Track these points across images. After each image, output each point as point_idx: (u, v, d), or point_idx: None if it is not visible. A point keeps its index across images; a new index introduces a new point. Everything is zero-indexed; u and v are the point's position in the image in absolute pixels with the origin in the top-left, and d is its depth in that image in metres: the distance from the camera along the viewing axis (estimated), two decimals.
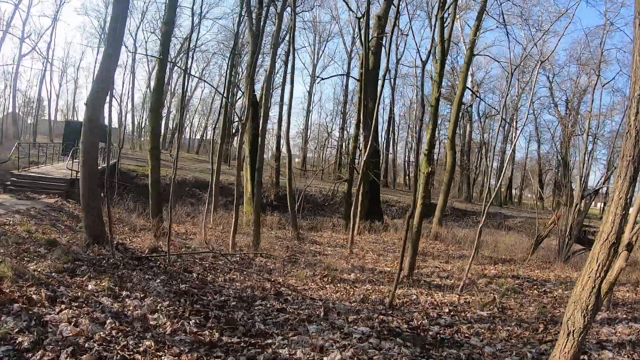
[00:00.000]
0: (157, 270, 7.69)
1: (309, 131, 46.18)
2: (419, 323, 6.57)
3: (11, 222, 9.38)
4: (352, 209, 15.31)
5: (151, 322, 5.12)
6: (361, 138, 18.17)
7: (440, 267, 11.89)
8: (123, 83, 49.17)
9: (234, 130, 39.64)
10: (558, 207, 24.55)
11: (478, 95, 33.43)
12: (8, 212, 10.51)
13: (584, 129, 34.88)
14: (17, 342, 3.93)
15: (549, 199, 39.70)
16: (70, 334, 4.26)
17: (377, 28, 20.45)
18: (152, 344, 4.44)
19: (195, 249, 10.50)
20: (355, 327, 6.07)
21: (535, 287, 10.12)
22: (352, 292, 8.49)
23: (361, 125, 18.43)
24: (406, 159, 45.31)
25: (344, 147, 39.98)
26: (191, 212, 19.03)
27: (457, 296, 8.68)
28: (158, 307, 5.68)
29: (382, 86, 18.25)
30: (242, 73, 37.71)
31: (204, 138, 49.67)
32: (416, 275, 10.45)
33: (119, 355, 4.06)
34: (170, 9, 11.91)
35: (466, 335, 6.28)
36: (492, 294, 8.92)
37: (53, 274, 6.08)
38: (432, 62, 17.74)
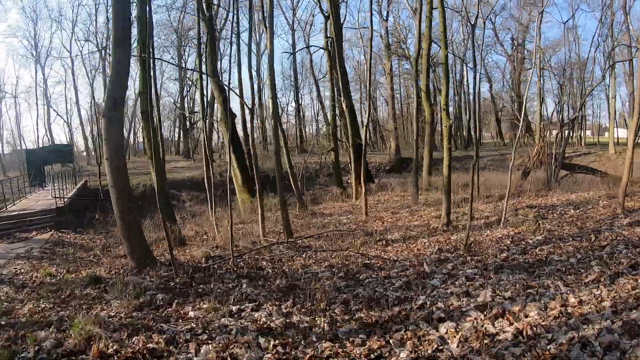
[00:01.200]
0: (229, 276, 7.06)
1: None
2: (503, 256, 7.16)
3: (21, 269, 8.34)
4: (354, 175, 15.13)
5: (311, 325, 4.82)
6: (343, 105, 17.76)
7: (459, 211, 12.01)
8: (66, 99, 45.58)
9: (188, 125, 38.08)
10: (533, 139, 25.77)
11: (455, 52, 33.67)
12: (8, 259, 9.40)
13: (534, 64, 36.30)
14: None
15: (507, 134, 41.39)
16: None
17: None
18: (334, 345, 4.23)
19: (241, 247, 9.70)
20: (460, 271, 6.57)
21: (551, 211, 10.77)
22: (415, 248, 8.59)
23: (341, 92, 18.01)
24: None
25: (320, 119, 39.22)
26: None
27: (503, 230, 9.16)
28: (293, 310, 5.29)
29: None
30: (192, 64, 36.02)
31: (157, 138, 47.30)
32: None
33: None
34: (141, 2, 10.75)
35: (544, 256, 6.93)
36: (530, 222, 9.49)
37: (136, 314, 5.31)
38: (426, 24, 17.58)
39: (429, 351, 4.04)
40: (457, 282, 6.00)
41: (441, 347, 4.08)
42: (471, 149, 39.70)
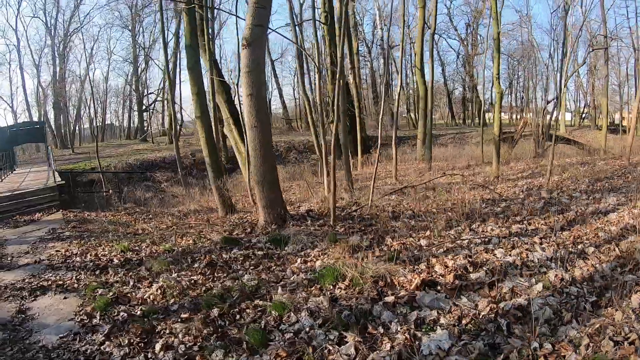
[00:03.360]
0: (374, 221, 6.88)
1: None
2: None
3: (65, 252, 6.61)
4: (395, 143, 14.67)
5: None
6: (350, 78, 16.80)
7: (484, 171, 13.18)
8: (10, 82, 39.41)
9: (144, 106, 34.77)
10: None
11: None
12: (31, 244, 7.50)
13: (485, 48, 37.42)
14: None
15: (458, 114, 42.67)
16: None
17: None
18: None
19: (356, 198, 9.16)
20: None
21: (559, 171, 11.66)
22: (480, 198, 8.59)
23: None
24: None
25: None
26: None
27: (549, 181, 9.89)
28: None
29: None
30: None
31: (104, 124, 42.72)
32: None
33: None
34: None
35: (596, 192, 8.13)
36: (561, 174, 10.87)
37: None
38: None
39: None
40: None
41: None
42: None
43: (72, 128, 35.83)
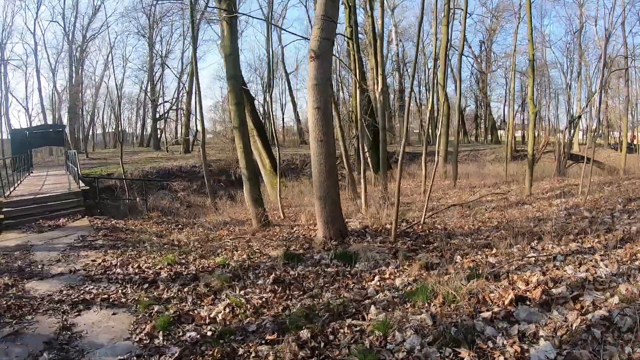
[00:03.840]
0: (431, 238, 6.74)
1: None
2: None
3: (102, 263, 6.20)
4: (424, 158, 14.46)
5: None
6: (378, 91, 16.40)
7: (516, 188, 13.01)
8: (26, 85, 39.13)
9: (159, 115, 34.49)
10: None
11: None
12: (61, 251, 7.11)
13: (504, 66, 37.36)
14: None
15: (470, 131, 42.26)
16: None
17: None
18: None
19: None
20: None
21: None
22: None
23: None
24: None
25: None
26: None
27: (585, 200, 9.67)
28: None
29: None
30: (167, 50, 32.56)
31: (119, 130, 42.31)
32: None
33: None
34: None
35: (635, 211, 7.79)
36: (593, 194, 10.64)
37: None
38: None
39: None
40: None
41: None
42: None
43: (85, 133, 35.54)
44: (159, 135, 35.65)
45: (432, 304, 3.89)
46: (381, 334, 3.36)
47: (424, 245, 6.34)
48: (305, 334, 3.43)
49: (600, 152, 30.01)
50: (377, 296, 4.31)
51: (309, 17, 20.93)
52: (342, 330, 3.55)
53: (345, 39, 17.39)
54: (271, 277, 4.96)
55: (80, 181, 12.15)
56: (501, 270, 4.68)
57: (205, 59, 67.26)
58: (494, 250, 5.66)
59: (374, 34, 16.97)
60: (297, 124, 40.43)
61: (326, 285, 4.80)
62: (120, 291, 5.01)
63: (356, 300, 4.23)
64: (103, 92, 36.62)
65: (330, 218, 6.50)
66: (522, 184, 14.61)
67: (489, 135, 39.41)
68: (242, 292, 4.56)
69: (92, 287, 5.24)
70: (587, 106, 22.09)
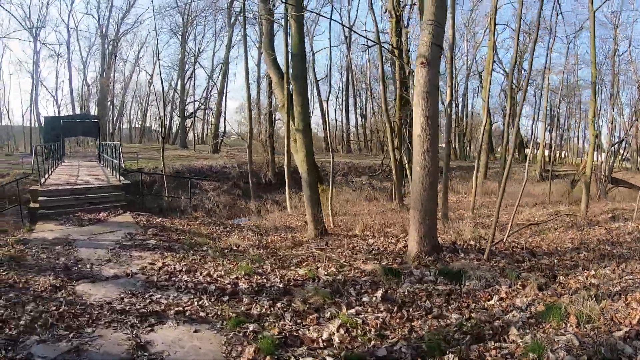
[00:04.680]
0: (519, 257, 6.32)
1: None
2: None
3: (166, 268, 5.43)
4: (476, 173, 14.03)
5: None
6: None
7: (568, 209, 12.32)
8: (57, 74, 39.07)
9: (187, 113, 33.99)
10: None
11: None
12: (110, 250, 6.42)
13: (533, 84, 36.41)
14: None
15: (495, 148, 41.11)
16: None
17: None
18: None
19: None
20: None
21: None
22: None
23: None
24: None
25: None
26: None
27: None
28: None
29: None
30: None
31: (144, 126, 42.09)
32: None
33: None
34: None
35: None
36: None
37: None
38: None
39: None
40: None
41: None
42: (463, 160, 39.15)
43: (113, 127, 35.22)
44: (186, 133, 35.12)
45: (569, 324, 3.68)
46: (536, 356, 3.19)
47: (516, 264, 5.94)
48: (450, 358, 3.16)
49: (633, 176, 29.04)
50: (507, 317, 3.98)
51: (344, 22, 20.40)
52: (488, 354, 3.31)
53: (391, 47, 16.57)
54: (378, 294, 4.41)
55: (118, 174, 11.43)
56: (612, 291, 4.42)
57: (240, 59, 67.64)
58: (592, 272, 5.39)
59: None
60: (324, 131, 39.65)
61: (444, 305, 4.32)
62: (196, 303, 4.26)
63: (487, 321, 3.90)
64: (132, 86, 36.34)
65: (427, 232, 6.02)
66: (569, 204, 14.30)
67: (517, 153, 38.18)
68: (352, 311, 3.98)
69: (158, 295, 4.50)
70: (630, 129, 21.24)
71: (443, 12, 5.95)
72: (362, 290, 4.58)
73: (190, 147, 32.08)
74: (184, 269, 5.28)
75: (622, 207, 13.07)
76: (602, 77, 32.66)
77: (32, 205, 9.31)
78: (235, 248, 6.81)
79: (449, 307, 4.28)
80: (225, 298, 4.33)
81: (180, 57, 32.23)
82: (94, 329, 3.70)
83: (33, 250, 6.34)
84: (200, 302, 4.24)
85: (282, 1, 8.99)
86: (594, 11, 12.55)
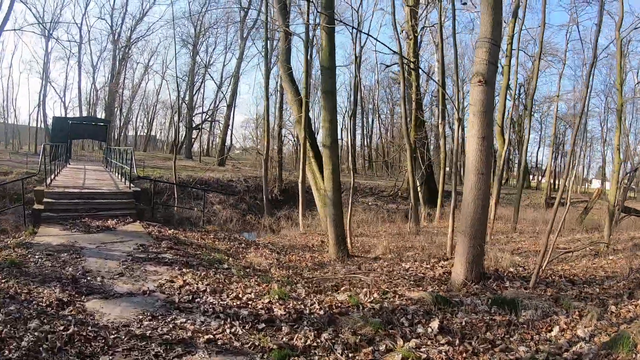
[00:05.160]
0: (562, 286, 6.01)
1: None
2: None
3: (187, 287, 4.85)
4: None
5: None
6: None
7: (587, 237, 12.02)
8: (66, 76, 38.65)
9: (195, 124, 33.63)
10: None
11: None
12: (122, 262, 5.86)
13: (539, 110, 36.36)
14: None
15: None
16: None
17: None
18: None
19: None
20: None
21: None
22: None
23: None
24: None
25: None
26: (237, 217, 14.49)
27: None
28: None
29: None
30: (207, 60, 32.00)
31: (149, 135, 41.68)
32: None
33: None
34: None
35: None
36: None
37: None
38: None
39: None
40: None
41: None
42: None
43: (119, 133, 34.78)
44: (192, 144, 34.66)
45: (638, 354, 3.53)
46: None
47: (562, 293, 5.68)
48: None
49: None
50: (575, 349, 3.77)
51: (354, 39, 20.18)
52: None
53: (414, 65, 16.31)
54: (434, 325, 3.97)
55: (127, 181, 10.91)
56: None
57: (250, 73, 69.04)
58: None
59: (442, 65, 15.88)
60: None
61: (506, 336, 4.01)
62: (227, 330, 3.71)
63: (557, 354, 3.67)
64: (140, 94, 36.02)
65: (475, 258, 5.72)
66: (585, 232, 13.73)
67: (522, 180, 37.90)
68: (410, 344, 3.54)
69: (182, 319, 3.94)
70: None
71: (499, 31, 5.84)
72: (415, 321, 4.12)
73: (195, 158, 31.60)
74: (207, 289, 4.72)
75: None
76: (608, 105, 32.69)
77: (36, 206, 8.78)
78: (257, 267, 6.26)
79: (511, 339, 3.92)
80: (261, 326, 3.78)
81: (190, 68, 32.04)
82: (111, 357, 3.16)
83: (36, 257, 5.81)
84: (232, 330, 3.69)
85: (317, 11, 8.60)
86: (621, 39, 12.34)
